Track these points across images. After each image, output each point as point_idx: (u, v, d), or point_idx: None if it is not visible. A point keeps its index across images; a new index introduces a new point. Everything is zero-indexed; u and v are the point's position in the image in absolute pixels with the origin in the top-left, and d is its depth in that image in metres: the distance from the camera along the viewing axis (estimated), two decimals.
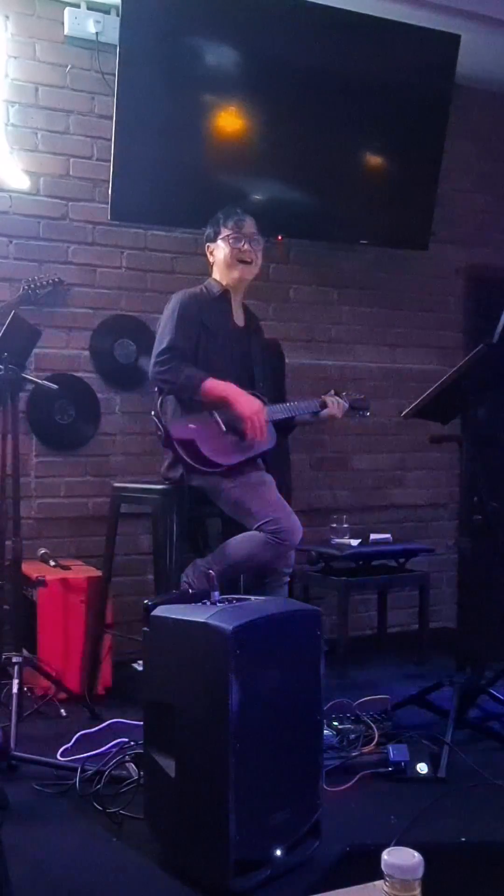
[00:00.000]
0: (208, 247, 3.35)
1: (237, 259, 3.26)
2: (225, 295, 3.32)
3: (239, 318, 3.37)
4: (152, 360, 3.15)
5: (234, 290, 3.33)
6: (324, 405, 3.39)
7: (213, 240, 3.32)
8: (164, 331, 3.18)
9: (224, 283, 3.31)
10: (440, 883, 1.23)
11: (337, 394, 3.47)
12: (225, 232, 3.28)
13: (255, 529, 2.99)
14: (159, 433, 3.15)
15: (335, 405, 3.40)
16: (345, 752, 2.58)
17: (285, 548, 3.03)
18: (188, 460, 3.04)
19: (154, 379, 3.17)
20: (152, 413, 3.20)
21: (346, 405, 3.45)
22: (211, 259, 3.36)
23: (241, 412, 3.07)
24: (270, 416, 3.22)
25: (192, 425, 3.07)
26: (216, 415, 3.11)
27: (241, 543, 3.03)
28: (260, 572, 3.18)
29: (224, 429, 3.10)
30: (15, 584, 3.00)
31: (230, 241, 3.26)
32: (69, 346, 3.92)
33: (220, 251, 3.30)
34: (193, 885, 1.88)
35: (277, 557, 3.07)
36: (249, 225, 3.29)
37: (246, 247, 3.27)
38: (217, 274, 3.35)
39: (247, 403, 3.08)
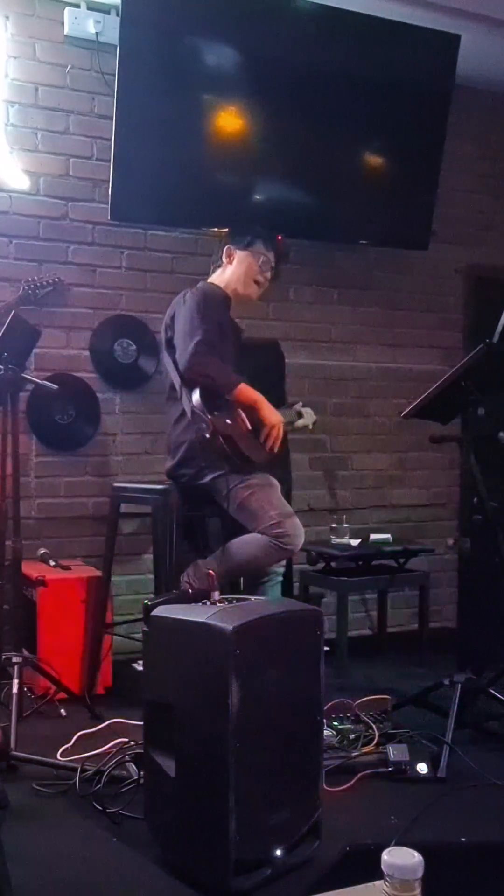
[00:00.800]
0: (229, 249, 3.34)
1: (255, 281, 3.34)
2: (227, 299, 3.33)
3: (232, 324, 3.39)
4: (188, 350, 3.05)
5: (234, 299, 3.36)
6: (299, 415, 3.40)
7: (244, 248, 3.32)
8: (193, 323, 3.10)
9: (230, 289, 3.33)
10: (440, 883, 1.23)
11: (303, 405, 3.49)
12: (261, 254, 3.32)
13: (259, 532, 2.99)
14: (203, 426, 3.03)
15: (307, 416, 3.41)
16: (345, 752, 2.58)
17: (287, 553, 3.04)
18: (230, 455, 2.97)
19: (192, 371, 3.05)
20: (198, 408, 3.03)
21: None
22: (228, 261, 3.35)
23: (267, 420, 3.09)
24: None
25: (228, 421, 3.03)
26: (242, 413, 3.09)
27: (243, 546, 3.02)
28: (257, 574, 3.19)
29: (249, 426, 3.09)
30: (15, 584, 3.00)
31: (261, 265, 3.33)
32: (69, 346, 3.92)
33: (245, 264, 3.32)
34: (193, 885, 1.88)
35: (278, 561, 3.08)
36: (273, 254, 3.38)
37: (267, 273, 3.37)
38: (224, 278, 3.35)
39: (273, 413, 3.12)
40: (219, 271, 3.39)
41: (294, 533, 2.99)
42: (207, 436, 2.99)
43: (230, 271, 3.34)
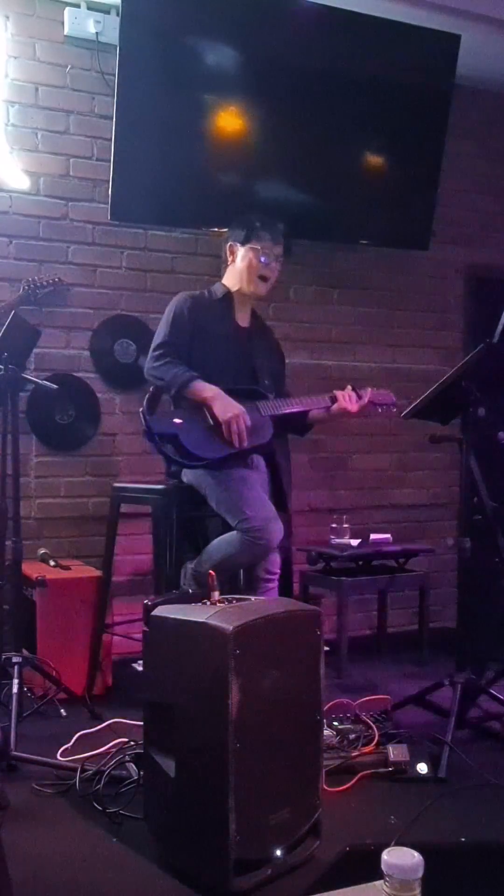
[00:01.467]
0: (231, 246, 3.31)
1: (258, 275, 3.27)
2: (228, 297, 3.32)
3: (243, 319, 3.36)
4: (147, 357, 3.22)
5: (242, 295, 3.33)
6: (334, 399, 3.32)
7: (241, 243, 3.28)
8: (159, 330, 3.25)
9: (234, 288, 3.31)
10: (440, 883, 1.23)
11: (354, 389, 3.38)
12: (256, 245, 3.25)
13: (234, 528, 2.99)
14: (144, 429, 3.14)
15: (347, 399, 3.31)
16: (345, 752, 2.58)
17: (261, 548, 2.96)
18: (169, 455, 3.07)
19: (147, 374, 3.22)
20: (140, 410, 3.19)
21: (365, 400, 3.35)
22: (230, 258, 3.33)
23: (218, 415, 3.06)
24: (273, 411, 3.21)
25: (177, 420, 3.09)
26: (205, 408, 3.10)
27: (220, 544, 3.02)
28: (247, 576, 3.17)
29: (212, 422, 3.09)
30: (15, 584, 3.00)
31: (259, 257, 3.25)
32: (69, 346, 3.92)
33: (243, 259, 3.28)
34: (193, 885, 1.88)
35: (255, 558, 3.03)
36: (279, 244, 3.29)
37: (273, 264, 3.29)
38: (230, 276, 3.33)
39: (223, 408, 3.05)
40: (227, 270, 3.36)
41: (265, 527, 2.92)
42: (147, 440, 3.11)
43: (234, 268, 3.32)
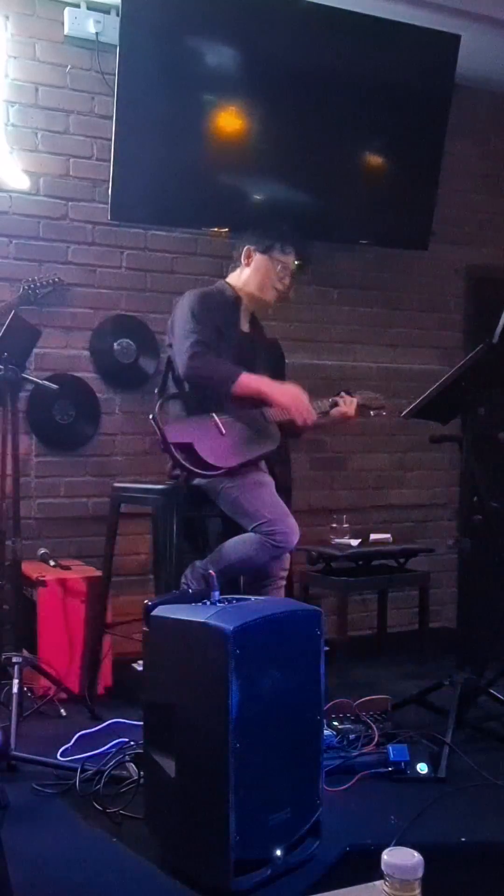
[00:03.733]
0: (249, 250, 3.28)
1: (274, 287, 3.28)
2: (237, 301, 3.28)
3: (245, 325, 3.35)
4: (184, 354, 3.06)
5: (248, 301, 3.31)
6: (335, 404, 3.34)
7: (262, 252, 3.26)
8: (187, 327, 3.10)
9: (245, 291, 3.28)
10: (440, 883, 1.23)
11: (348, 393, 3.41)
12: (278, 257, 3.25)
13: (252, 531, 2.99)
14: (157, 438, 3.13)
15: (345, 401, 3.35)
16: (345, 752, 2.58)
17: (281, 551, 3.00)
18: (186, 464, 3.02)
19: (190, 374, 3.07)
20: (150, 417, 3.15)
21: (357, 402, 3.39)
22: (245, 262, 3.29)
23: (283, 404, 3.09)
24: (279, 417, 3.21)
25: (190, 428, 3.06)
26: (215, 417, 3.10)
27: (237, 545, 3.02)
28: (258, 575, 3.18)
29: (223, 431, 3.09)
30: (15, 584, 3.00)
31: (280, 270, 3.26)
32: (69, 346, 3.92)
33: (262, 268, 3.26)
34: (193, 885, 1.88)
35: (273, 560, 3.05)
36: (298, 259, 3.30)
37: (287, 281, 3.29)
38: (240, 279, 3.30)
39: (283, 394, 3.10)
40: (237, 271, 3.33)
41: (287, 530, 2.96)
42: (161, 449, 3.07)
43: (247, 273, 3.29)
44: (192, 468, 3.02)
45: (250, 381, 3.07)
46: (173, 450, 3.03)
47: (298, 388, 3.12)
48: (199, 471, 3.03)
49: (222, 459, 3.04)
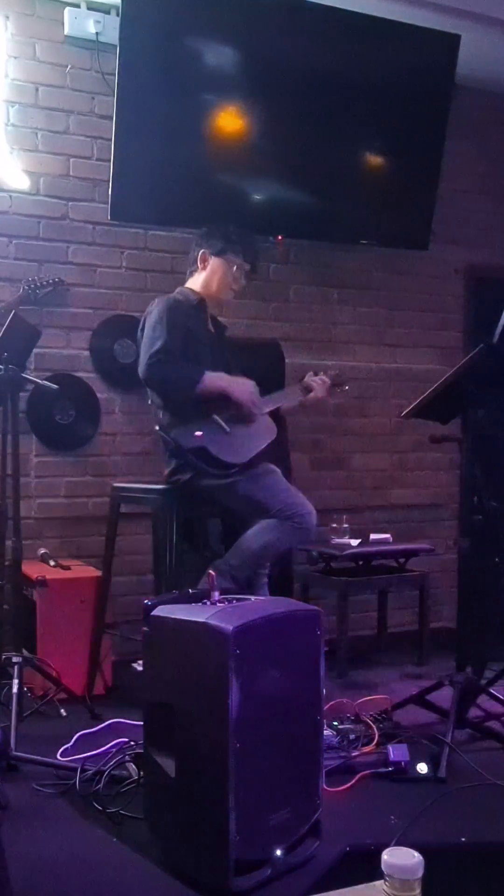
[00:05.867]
0: (204, 253, 3.35)
1: (230, 287, 3.36)
2: (202, 303, 3.34)
3: (210, 325, 3.40)
4: (146, 363, 3.11)
5: (211, 301, 3.37)
6: (308, 389, 3.43)
7: (217, 254, 3.32)
8: (153, 334, 3.14)
9: (205, 293, 3.34)
10: (440, 883, 1.23)
11: (315, 374, 3.51)
12: (235, 260, 3.32)
13: (272, 515, 3.03)
14: (169, 447, 3.15)
15: (318, 384, 3.44)
16: (345, 752, 2.58)
17: (304, 532, 3.06)
18: (205, 467, 3.05)
19: (150, 378, 3.13)
20: (157, 427, 3.21)
21: (329, 382, 3.49)
22: (202, 266, 3.36)
23: (240, 399, 3.12)
24: (267, 408, 3.25)
25: (198, 432, 3.09)
26: (216, 417, 3.11)
27: (257, 534, 3.05)
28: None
29: (227, 429, 3.11)
30: (15, 584, 3.00)
31: (235, 272, 3.33)
32: (69, 346, 3.92)
33: (219, 270, 3.33)
34: (193, 885, 1.88)
35: (296, 542, 3.16)
36: (251, 260, 3.39)
37: (243, 282, 3.39)
38: (198, 282, 3.36)
39: (243, 390, 3.15)
40: (195, 276, 3.39)
41: (306, 511, 3.05)
42: (173, 456, 3.14)
43: (204, 276, 3.36)
44: (209, 469, 3.04)
45: (215, 381, 3.12)
46: (191, 457, 3.03)
47: (252, 384, 3.19)
48: (216, 471, 3.05)
49: (236, 456, 3.08)
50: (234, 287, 3.37)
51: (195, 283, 3.38)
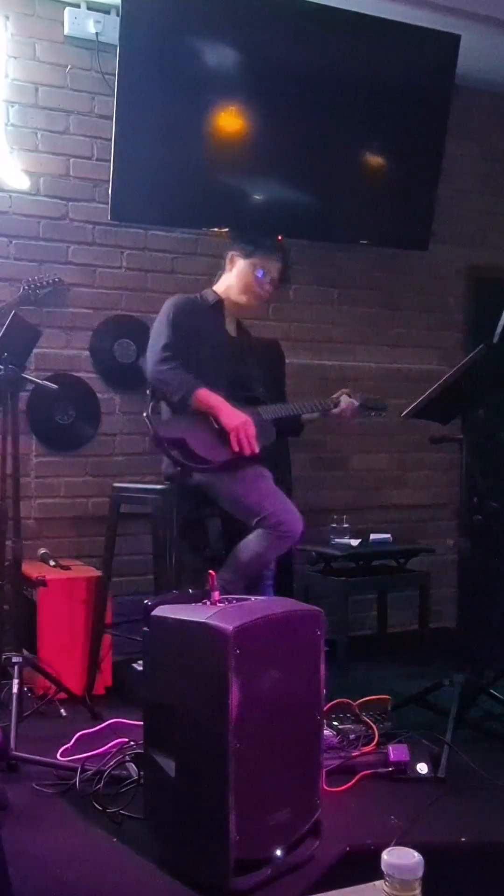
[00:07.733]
0: (233, 255, 3.32)
1: (254, 291, 3.31)
2: (219, 304, 3.33)
3: (231, 329, 3.38)
4: (150, 359, 3.15)
5: (231, 306, 3.35)
6: (336, 403, 3.44)
7: (245, 257, 3.30)
8: (159, 332, 3.18)
9: (226, 296, 3.32)
10: (440, 883, 1.23)
11: (350, 396, 3.51)
12: (262, 264, 3.28)
13: (255, 524, 2.99)
14: (150, 434, 3.17)
15: (346, 404, 3.46)
16: (345, 752, 2.58)
17: (288, 539, 3.03)
18: (179, 459, 3.05)
19: (153, 378, 3.15)
20: (144, 415, 3.21)
21: (357, 404, 3.49)
22: (230, 267, 3.34)
23: (225, 424, 3.07)
24: (271, 415, 3.24)
25: (183, 424, 3.08)
26: (210, 417, 3.11)
27: (247, 544, 3.04)
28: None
29: (216, 425, 3.10)
30: (15, 584, 3.00)
31: (261, 277, 3.29)
32: (69, 346, 3.92)
33: (244, 273, 3.30)
34: (193, 885, 1.88)
35: (282, 551, 3.08)
36: (281, 266, 3.34)
37: (268, 287, 3.33)
38: (224, 284, 3.35)
39: (231, 416, 3.07)
40: (222, 277, 3.38)
41: (289, 519, 2.99)
42: (154, 445, 3.12)
43: (230, 278, 3.34)
44: (184, 462, 3.04)
45: (207, 397, 3.08)
46: (166, 446, 3.05)
47: (247, 418, 3.10)
48: (192, 464, 3.05)
49: (214, 453, 3.06)
50: (259, 291, 3.31)
51: (220, 284, 3.37)
